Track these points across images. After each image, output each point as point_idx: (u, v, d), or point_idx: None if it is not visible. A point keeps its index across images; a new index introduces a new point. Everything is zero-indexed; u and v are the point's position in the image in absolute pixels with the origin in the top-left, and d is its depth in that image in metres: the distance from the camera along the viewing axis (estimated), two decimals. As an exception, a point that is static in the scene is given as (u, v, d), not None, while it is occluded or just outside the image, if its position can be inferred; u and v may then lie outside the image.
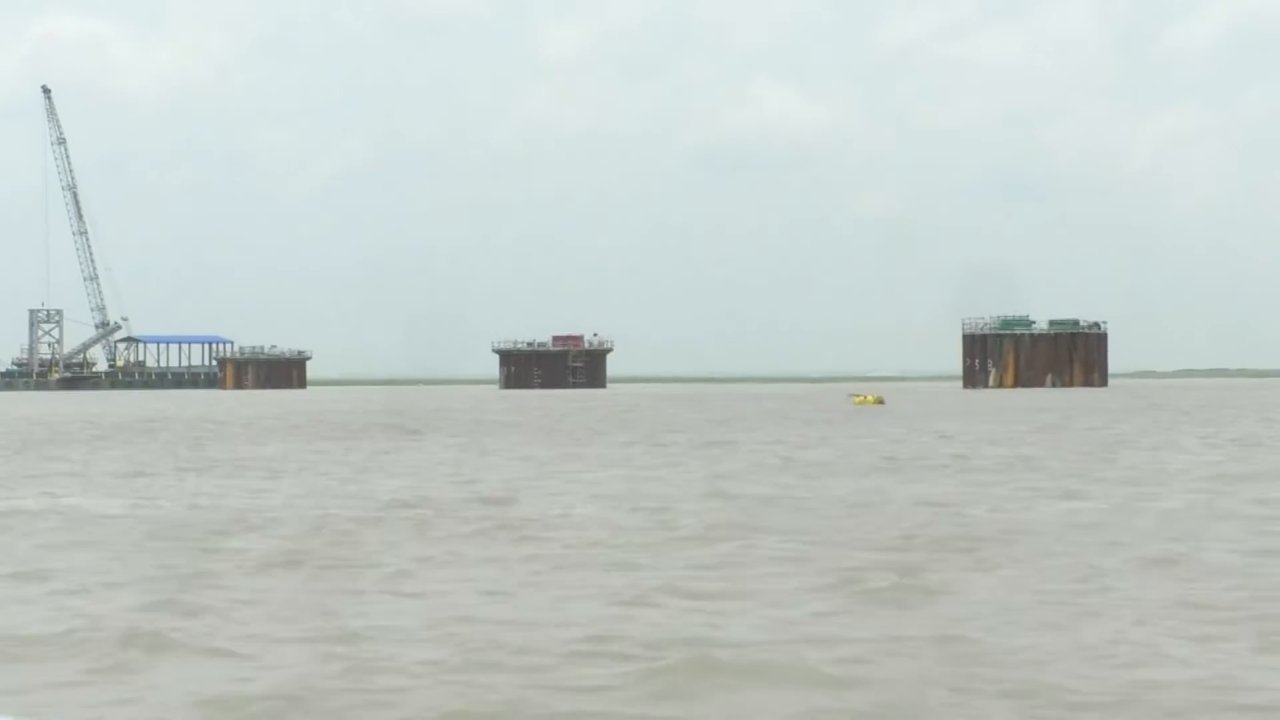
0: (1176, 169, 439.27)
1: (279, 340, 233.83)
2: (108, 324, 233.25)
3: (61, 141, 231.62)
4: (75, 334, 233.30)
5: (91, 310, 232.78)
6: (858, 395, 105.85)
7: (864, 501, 24.52)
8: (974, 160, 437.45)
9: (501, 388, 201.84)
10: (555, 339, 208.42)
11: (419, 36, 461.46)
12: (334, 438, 51.77)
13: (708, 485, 28.14)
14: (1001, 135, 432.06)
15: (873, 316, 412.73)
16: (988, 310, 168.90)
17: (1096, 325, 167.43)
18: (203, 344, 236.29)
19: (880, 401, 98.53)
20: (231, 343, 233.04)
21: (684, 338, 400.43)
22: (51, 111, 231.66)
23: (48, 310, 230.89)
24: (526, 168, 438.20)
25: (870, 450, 40.23)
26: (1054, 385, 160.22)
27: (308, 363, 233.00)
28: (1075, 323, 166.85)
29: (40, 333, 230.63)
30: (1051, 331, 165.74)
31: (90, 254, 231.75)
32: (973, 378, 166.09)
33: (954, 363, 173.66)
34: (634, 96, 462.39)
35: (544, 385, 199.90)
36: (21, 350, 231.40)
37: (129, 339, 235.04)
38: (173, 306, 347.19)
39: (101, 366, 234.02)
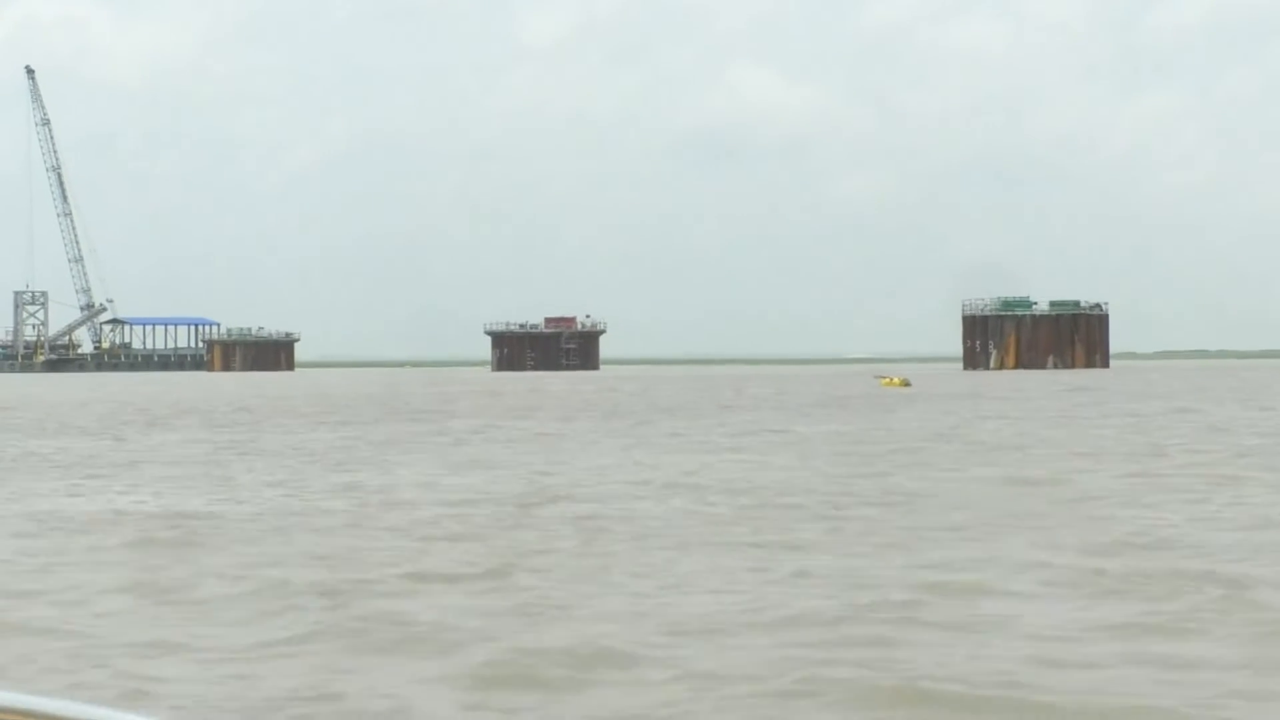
0: (1156, 153, 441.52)
1: (264, 322, 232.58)
2: (93, 306, 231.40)
3: (45, 123, 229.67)
4: (60, 316, 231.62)
5: (77, 292, 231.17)
6: (884, 377, 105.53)
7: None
8: (956, 143, 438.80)
9: (494, 370, 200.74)
10: (548, 321, 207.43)
11: (400, 22, 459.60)
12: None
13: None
14: (983, 119, 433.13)
15: (864, 298, 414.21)
16: (974, 291, 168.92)
17: (1098, 306, 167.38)
18: (189, 326, 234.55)
19: (907, 384, 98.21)
20: (218, 324, 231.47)
21: (675, 320, 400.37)
22: (35, 93, 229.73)
23: (32, 292, 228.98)
24: (511, 152, 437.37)
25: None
26: (1055, 367, 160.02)
27: (295, 345, 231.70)
28: (1076, 304, 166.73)
29: (25, 315, 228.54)
30: (1053, 313, 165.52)
31: (75, 235, 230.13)
32: (973, 359, 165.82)
33: (948, 344, 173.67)
34: (617, 81, 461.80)
35: (537, 367, 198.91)
36: (6, 333, 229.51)
37: (114, 321, 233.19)
38: (158, 288, 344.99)
39: (87, 348, 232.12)
